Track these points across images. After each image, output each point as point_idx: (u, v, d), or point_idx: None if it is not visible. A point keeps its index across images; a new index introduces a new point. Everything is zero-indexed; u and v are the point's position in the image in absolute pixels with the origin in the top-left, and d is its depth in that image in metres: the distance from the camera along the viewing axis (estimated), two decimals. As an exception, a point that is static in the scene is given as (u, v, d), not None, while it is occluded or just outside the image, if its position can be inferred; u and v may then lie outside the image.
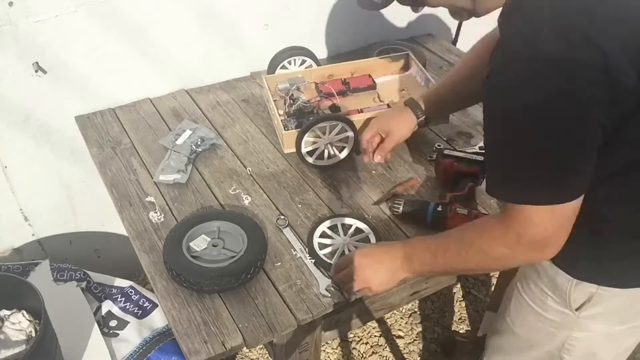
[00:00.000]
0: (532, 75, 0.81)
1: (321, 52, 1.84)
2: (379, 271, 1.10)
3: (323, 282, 1.17)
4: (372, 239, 1.25)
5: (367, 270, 1.10)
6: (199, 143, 1.52)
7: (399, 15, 2.09)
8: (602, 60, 0.79)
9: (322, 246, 1.25)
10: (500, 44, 0.89)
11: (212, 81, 1.80)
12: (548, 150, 0.85)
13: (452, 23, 2.21)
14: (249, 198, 1.39)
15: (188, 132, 1.55)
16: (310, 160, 1.45)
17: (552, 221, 0.90)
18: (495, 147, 0.91)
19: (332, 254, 1.23)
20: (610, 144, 0.86)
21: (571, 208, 0.90)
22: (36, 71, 1.48)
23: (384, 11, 2.03)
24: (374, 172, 1.50)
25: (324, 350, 1.92)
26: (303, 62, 1.77)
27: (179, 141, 1.52)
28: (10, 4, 1.35)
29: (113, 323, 1.52)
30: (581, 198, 0.90)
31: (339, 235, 1.27)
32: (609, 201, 0.95)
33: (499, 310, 1.30)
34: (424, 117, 1.41)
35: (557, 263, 1.05)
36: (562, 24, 0.81)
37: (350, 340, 1.97)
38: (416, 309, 2.09)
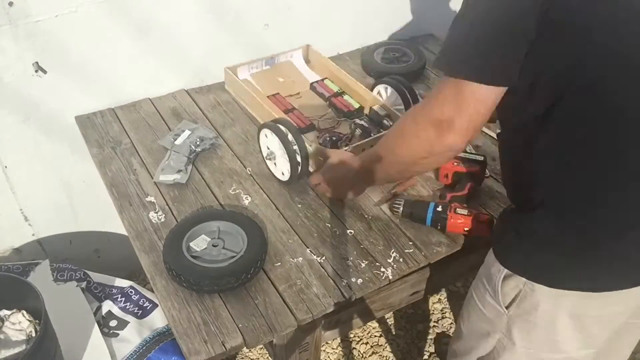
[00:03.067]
0: None
1: (321, 52, 1.84)
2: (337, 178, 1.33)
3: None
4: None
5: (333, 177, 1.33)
6: (198, 143, 1.52)
7: (399, 16, 2.09)
8: None
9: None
10: None
11: (212, 81, 1.80)
12: (483, 24, 0.91)
13: (452, 23, 2.21)
14: (249, 198, 1.39)
15: (187, 132, 1.55)
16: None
17: (457, 99, 0.94)
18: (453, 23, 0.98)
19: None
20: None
21: (480, 94, 0.93)
22: (36, 71, 1.48)
23: (384, 11, 2.04)
24: (374, 172, 1.50)
25: (324, 350, 1.92)
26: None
27: (178, 141, 1.52)
28: (10, 4, 1.35)
29: (113, 323, 1.52)
30: (487, 90, 0.92)
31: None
32: (548, 176, 0.98)
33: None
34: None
35: (495, 252, 1.08)
36: None
37: (350, 340, 1.97)
38: (416, 309, 2.09)
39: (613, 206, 0.96)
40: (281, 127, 1.35)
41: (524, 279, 1.02)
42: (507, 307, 1.07)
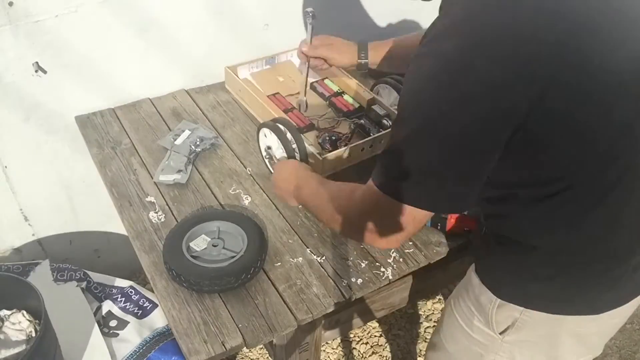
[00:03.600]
0: (450, 85, 0.79)
1: (321, 52, 1.84)
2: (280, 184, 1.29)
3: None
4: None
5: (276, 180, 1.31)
6: (198, 143, 1.52)
7: (399, 16, 2.09)
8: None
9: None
10: (436, 25, 0.87)
11: (212, 81, 1.80)
12: (444, 161, 0.83)
13: (452, 23, 2.21)
14: (249, 198, 1.39)
15: (187, 132, 1.55)
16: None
17: (397, 219, 0.89)
18: (396, 131, 0.89)
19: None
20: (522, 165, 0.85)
21: (422, 217, 0.90)
22: (36, 71, 1.48)
23: (384, 11, 2.04)
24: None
25: (324, 350, 1.92)
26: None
27: (178, 141, 1.52)
28: (10, 4, 1.35)
29: (113, 323, 1.52)
30: (426, 213, 0.89)
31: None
32: (533, 225, 0.93)
33: (437, 324, 1.29)
34: (364, 61, 1.53)
35: (484, 281, 1.03)
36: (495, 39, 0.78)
37: (350, 340, 1.97)
38: (416, 309, 2.09)
39: (608, 246, 0.94)
40: (280, 126, 1.35)
41: (520, 308, 1.00)
42: (501, 333, 1.05)
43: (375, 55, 1.54)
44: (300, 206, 1.33)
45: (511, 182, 0.90)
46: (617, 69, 0.81)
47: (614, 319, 1.03)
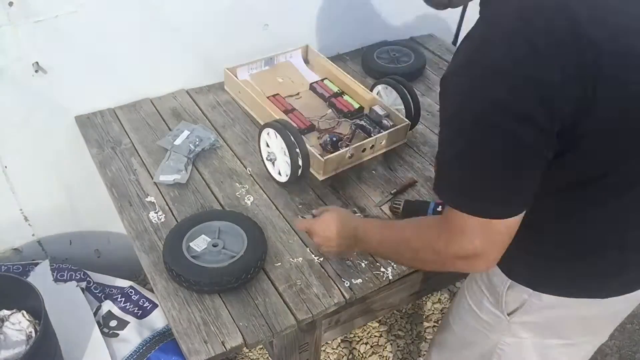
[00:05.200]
0: (482, 85, 0.78)
1: (321, 53, 1.84)
2: (334, 243, 1.14)
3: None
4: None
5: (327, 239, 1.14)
6: (198, 142, 1.52)
7: (399, 16, 2.09)
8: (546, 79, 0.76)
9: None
10: (466, 40, 0.86)
11: (212, 81, 1.80)
12: (492, 164, 0.82)
13: (452, 23, 2.21)
14: (250, 198, 1.39)
15: (186, 133, 1.55)
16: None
17: (482, 235, 0.86)
18: (444, 146, 0.88)
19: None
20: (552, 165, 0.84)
21: (505, 225, 0.86)
22: (36, 71, 1.48)
23: (384, 11, 2.04)
24: (374, 172, 1.50)
25: (324, 350, 1.92)
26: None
27: (177, 142, 1.52)
28: (10, 4, 1.35)
29: (113, 323, 1.52)
30: (518, 217, 0.86)
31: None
32: (547, 215, 0.93)
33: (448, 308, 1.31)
34: None
35: (497, 262, 1.03)
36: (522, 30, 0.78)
37: (350, 340, 1.97)
38: (416, 309, 2.09)
39: (612, 224, 0.95)
40: (283, 127, 1.35)
41: (530, 290, 1.01)
42: (509, 314, 1.06)
43: None
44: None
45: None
46: None
47: (622, 304, 1.04)
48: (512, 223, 0.86)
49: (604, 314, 1.05)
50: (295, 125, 1.42)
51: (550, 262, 1.00)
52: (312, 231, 1.17)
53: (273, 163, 1.42)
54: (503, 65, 0.78)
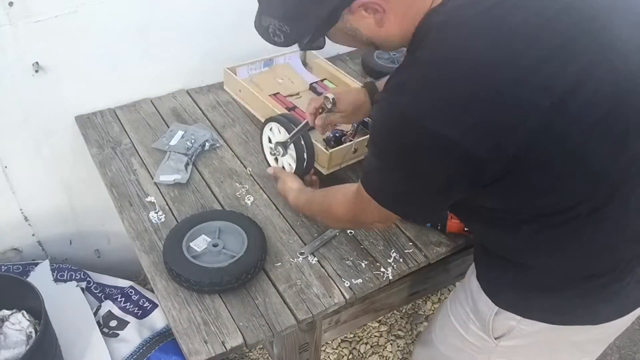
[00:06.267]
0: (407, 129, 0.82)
1: (321, 53, 1.84)
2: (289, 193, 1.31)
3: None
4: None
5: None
6: (194, 140, 1.52)
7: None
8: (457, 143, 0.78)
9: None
10: (399, 71, 0.88)
11: (212, 81, 1.80)
12: (412, 181, 0.88)
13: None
14: (250, 198, 1.39)
15: (180, 133, 1.55)
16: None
17: (381, 217, 0.99)
18: (372, 151, 0.94)
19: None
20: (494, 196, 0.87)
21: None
22: (36, 71, 1.48)
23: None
24: (374, 172, 1.50)
25: (324, 350, 1.92)
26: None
27: (172, 142, 1.52)
28: (10, 4, 1.35)
29: (113, 323, 1.52)
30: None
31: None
32: (529, 243, 0.93)
33: (429, 321, 1.31)
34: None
35: (484, 288, 1.04)
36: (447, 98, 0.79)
37: (350, 340, 1.97)
38: (416, 309, 2.10)
39: (599, 248, 0.92)
40: (289, 121, 1.35)
41: (518, 317, 1.00)
42: (496, 339, 1.05)
43: None
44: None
45: (501, 209, 0.91)
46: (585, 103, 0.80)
47: (613, 328, 1.03)
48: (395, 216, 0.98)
49: (596, 338, 1.04)
50: (298, 118, 1.41)
51: (537, 292, 0.98)
52: (280, 178, 1.35)
53: (276, 160, 1.42)
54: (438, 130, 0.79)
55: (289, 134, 1.32)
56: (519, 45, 0.77)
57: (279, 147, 1.38)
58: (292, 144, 1.33)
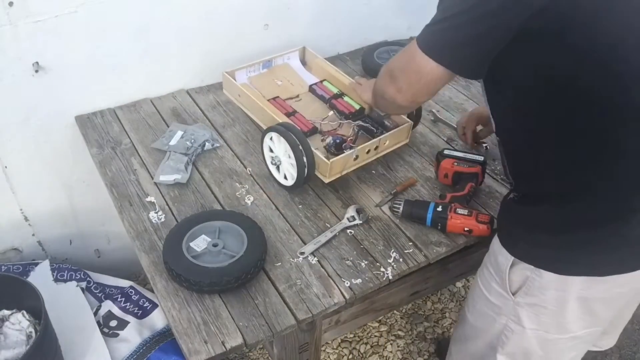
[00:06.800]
0: None
1: (321, 53, 1.84)
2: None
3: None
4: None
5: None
6: (194, 140, 1.52)
7: (399, 16, 2.09)
8: None
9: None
10: None
11: (212, 81, 1.80)
12: (462, 14, 0.92)
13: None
14: (250, 198, 1.39)
15: (180, 133, 1.55)
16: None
17: (408, 64, 1.02)
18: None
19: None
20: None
21: (427, 68, 0.98)
22: (36, 71, 1.48)
23: (384, 11, 2.04)
24: (374, 172, 1.50)
25: (324, 350, 1.92)
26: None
27: (172, 142, 1.52)
28: (10, 4, 1.35)
29: (113, 323, 1.52)
30: (446, 79, 0.99)
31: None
32: (546, 179, 1.02)
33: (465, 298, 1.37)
34: None
35: (502, 241, 1.12)
36: None
37: (350, 340, 1.97)
38: (416, 309, 2.10)
39: (612, 194, 0.98)
40: (288, 131, 1.35)
41: (531, 267, 1.05)
42: (513, 294, 1.10)
43: None
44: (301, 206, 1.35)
45: (525, 84, 0.96)
46: None
47: (620, 288, 1.06)
48: (445, 75, 0.98)
49: (603, 296, 1.06)
50: (297, 127, 1.41)
51: (550, 236, 1.04)
52: (359, 85, 1.51)
53: (278, 168, 1.42)
54: None
55: (288, 143, 1.32)
56: None
57: (279, 157, 1.38)
58: (291, 153, 1.33)
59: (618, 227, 0.99)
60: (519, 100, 1.00)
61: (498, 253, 1.13)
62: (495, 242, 1.15)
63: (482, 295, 1.19)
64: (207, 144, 1.53)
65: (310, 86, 1.73)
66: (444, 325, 2.03)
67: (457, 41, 0.95)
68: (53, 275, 1.59)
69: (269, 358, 1.88)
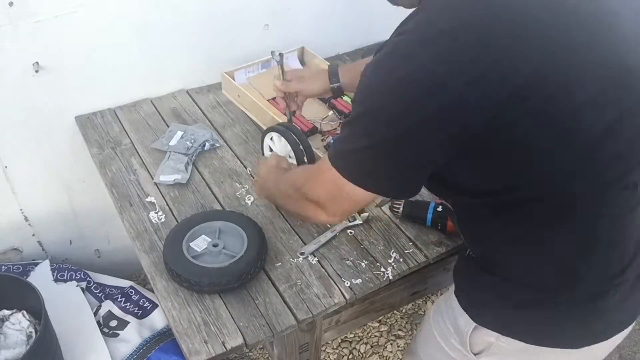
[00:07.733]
0: (399, 84, 0.82)
1: (321, 53, 1.84)
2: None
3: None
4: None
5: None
6: (194, 140, 1.52)
7: (399, 16, 2.09)
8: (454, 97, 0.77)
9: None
10: (399, 31, 0.92)
11: (212, 81, 1.80)
12: (384, 143, 0.85)
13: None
14: (250, 198, 1.39)
15: (180, 133, 1.55)
16: None
17: (336, 193, 0.92)
18: (352, 115, 0.91)
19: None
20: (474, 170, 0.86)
21: (359, 197, 0.90)
22: (36, 71, 1.48)
23: (384, 12, 2.04)
24: (374, 172, 1.50)
25: (324, 350, 1.93)
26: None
27: (172, 142, 1.52)
28: (10, 4, 1.35)
29: (113, 323, 1.52)
30: (371, 198, 0.91)
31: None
32: (504, 245, 0.94)
33: (415, 332, 1.30)
34: (337, 84, 1.40)
35: (463, 305, 1.03)
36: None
37: (350, 340, 1.97)
38: (416, 309, 2.10)
39: (582, 275, 0.92)
40: (288, 130, 1.35)
41: (496, 334, 0.99)
42: (476, 354, 1.04)
43: (348, 77, 1.42)
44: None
45: (478, 189, 0.90)
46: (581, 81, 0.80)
47: (596, 352, 1.00)
48: (368, 197, 0.91)
49: None
50: (298, 127, 1.41)
51: (514, 308, 0.96)
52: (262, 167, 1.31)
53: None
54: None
55: (289, 143, 1.32)
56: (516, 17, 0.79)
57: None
58: (292, 153, 1.33)
59: (593, 305, 0.93)
60: (465, 198, 0.94)
61: (458, 314, 1.04)
62: (454, 301, 1.05)
63: (439, 346, 1.11)
64: (207, 144, 1.53)
65: None
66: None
67: (388, 173, 0.87)
68: (53, 275, 1.59)
69: (269, 358, 1.88)
